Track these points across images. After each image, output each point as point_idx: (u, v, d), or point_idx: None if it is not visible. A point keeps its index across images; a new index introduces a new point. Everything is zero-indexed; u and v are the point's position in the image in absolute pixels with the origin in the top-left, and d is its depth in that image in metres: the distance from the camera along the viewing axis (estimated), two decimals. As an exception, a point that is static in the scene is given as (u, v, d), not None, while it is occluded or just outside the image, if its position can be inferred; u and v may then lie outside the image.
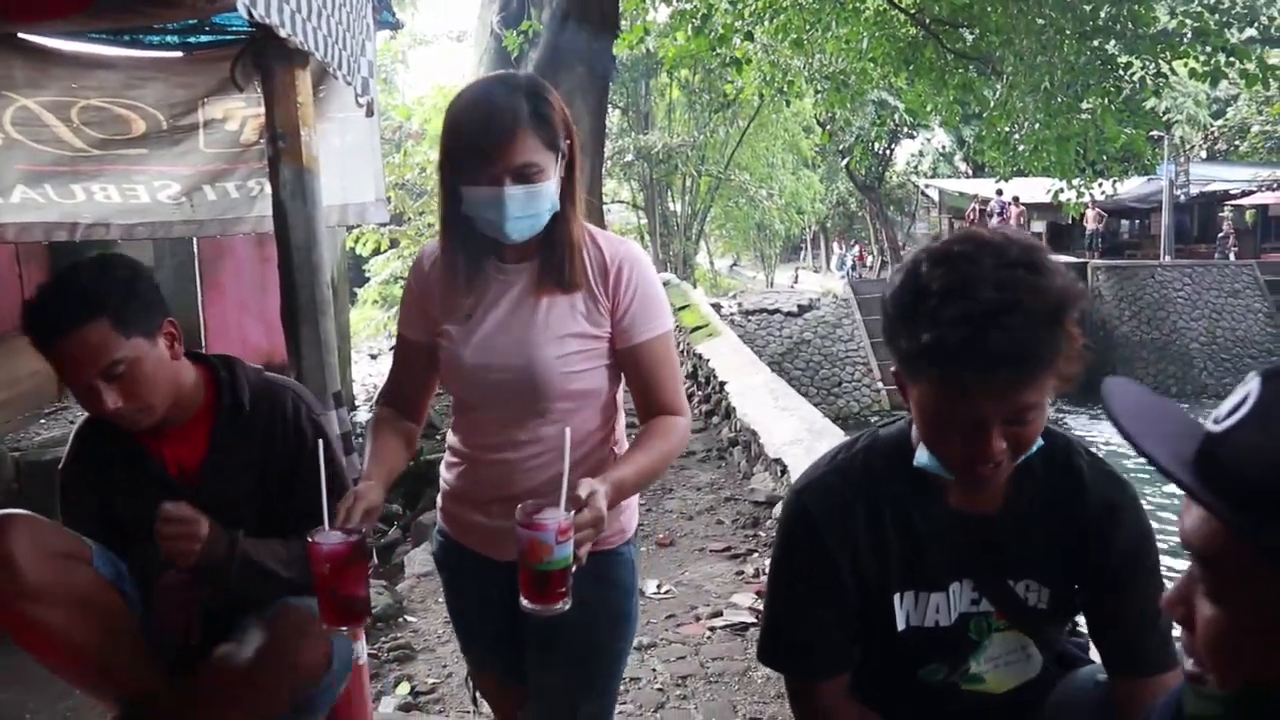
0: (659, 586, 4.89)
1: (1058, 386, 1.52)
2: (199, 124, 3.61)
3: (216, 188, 3.65)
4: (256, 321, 7.77)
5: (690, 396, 9.52)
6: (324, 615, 1.86)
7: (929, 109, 14.51)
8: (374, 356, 18.01)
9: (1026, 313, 1.42)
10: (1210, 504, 0.90)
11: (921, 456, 1.66)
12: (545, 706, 2.17)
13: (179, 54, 3.56)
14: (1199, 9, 12.29)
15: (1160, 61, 12.15)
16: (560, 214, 1.97)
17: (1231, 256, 29.08)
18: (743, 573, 5.08)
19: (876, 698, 1.84)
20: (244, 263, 7.76)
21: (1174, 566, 1.31)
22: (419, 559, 5.99)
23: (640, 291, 2.02)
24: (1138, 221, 33.94)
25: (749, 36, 11.62)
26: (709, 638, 4.26)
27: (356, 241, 14.27)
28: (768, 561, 5.09)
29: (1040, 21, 11.38)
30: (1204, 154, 35.84)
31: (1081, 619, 1.85)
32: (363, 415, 9.28)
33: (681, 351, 10.96)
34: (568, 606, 1.72)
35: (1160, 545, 1.72)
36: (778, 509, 5.94)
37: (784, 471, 6.14)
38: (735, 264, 50.63)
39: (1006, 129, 13.42)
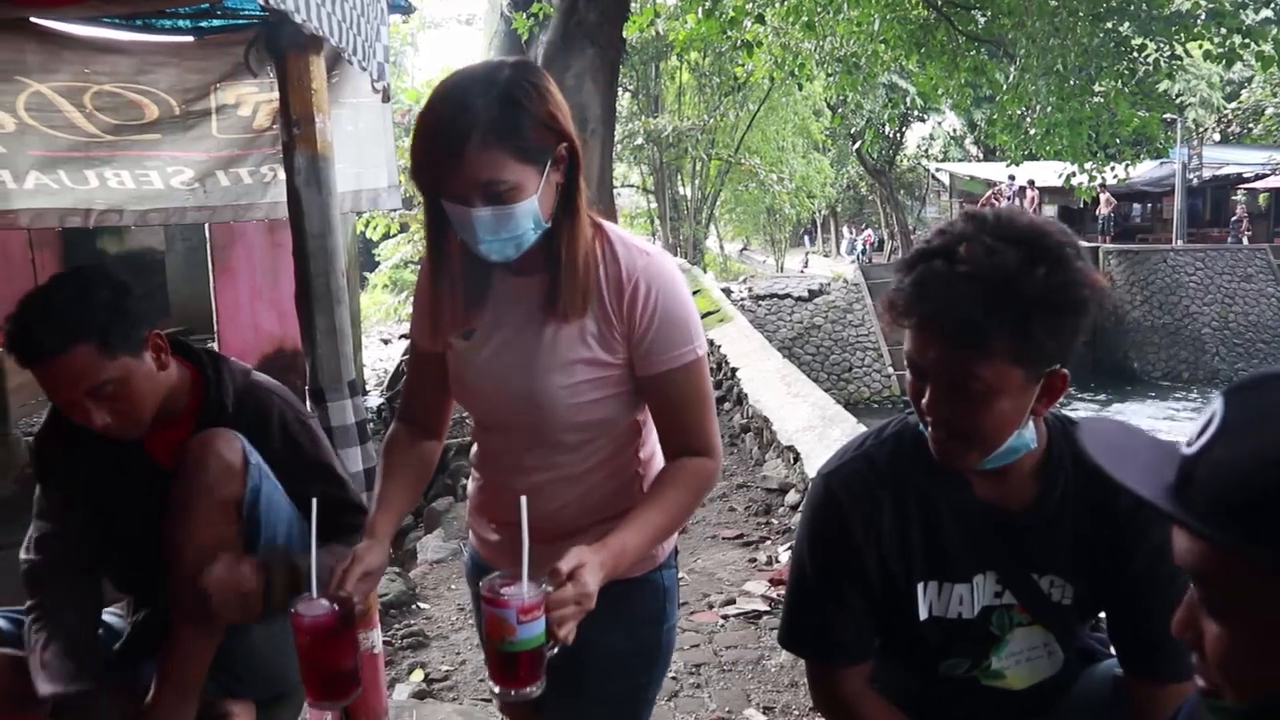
0: (672, 573, 4.89)
1: (1027, 385, 1.52)
2: (212, 109, 3.59)
3: (230, 173, 3.64)
4: (268, 306, 7.77)
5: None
6: (308, 690, 1.70)
7: (940, 92, 14.39)
8: (385, 341, 18.02)
9: (985, 283, 1.44)
10: (1193, 526, 0.92)
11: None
12: None
13: (191, 39, 3.54)
14: (1214, -10, 12.20)
15: (1174, 43, 12.07)
16: (556, 230, 1.71)
17: (1245, 240, 28.98)
18: (755, 560, 5.09)
19: (897, 690, 1.83)
20: (256, 247, 7.75)
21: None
22: (431, 545, 6.00)
23: (662, 313, 1.74)
24: (1150, 205, 33.78)
25: (760, 19, 11.55)
26: (722, 625, 4.27)
27: (367, 226, 14.28)
28: (781, 549, 5.13)
29: (1053, 3, 11.29)
30: (1217, 137, 35.65)
31: (1103, 616, 1.84)
32: (374, 400, 9.28)
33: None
34: (539, 691, 1.53)
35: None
36: (790, 496, 5.94)
37: (796, 459, 6.14)
38: (745, 248, 50.50)
39: (1018, 112, 13.34)
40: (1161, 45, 12.21)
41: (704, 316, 11.52)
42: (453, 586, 5.20)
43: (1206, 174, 30.66)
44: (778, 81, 17.83)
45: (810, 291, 25.29)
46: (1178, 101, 27.15)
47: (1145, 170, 26.39)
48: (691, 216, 30.55)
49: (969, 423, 1.54)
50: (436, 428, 2.04)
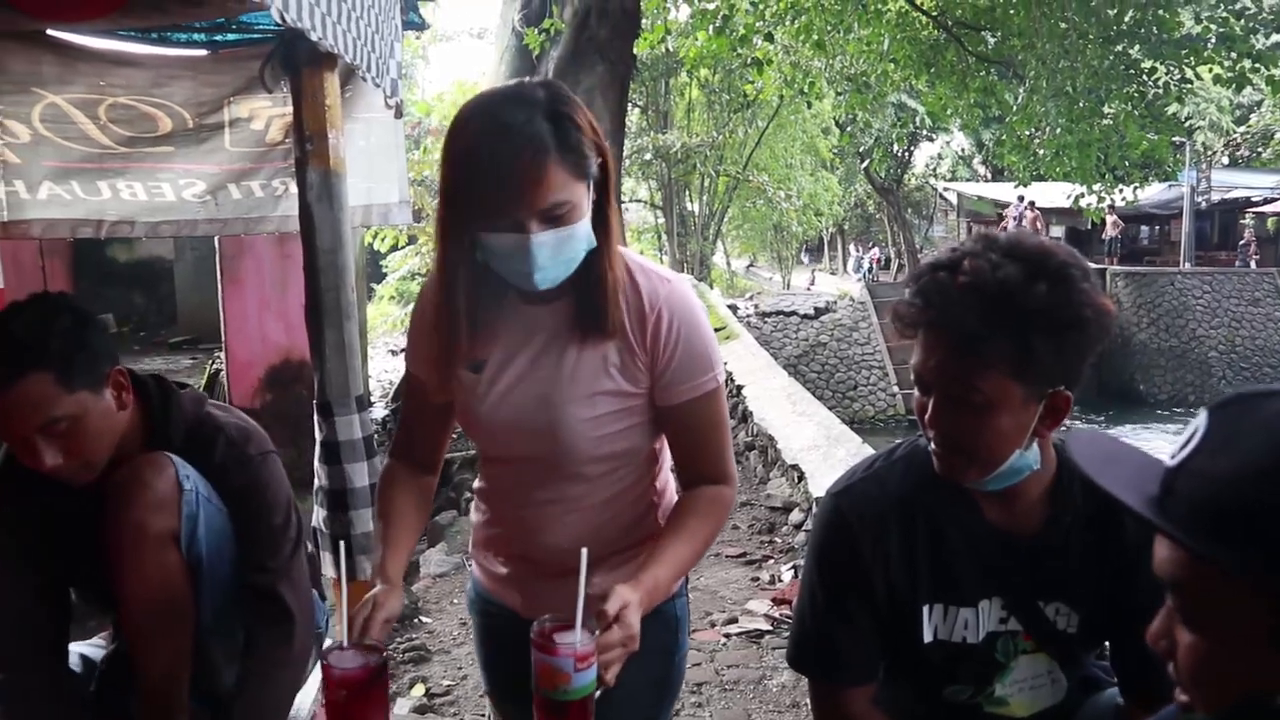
0: (675, 591, 4.89)
1: (1028, 403, 1.53)
2: (225, 123, 3.61)
3: (241, 186, 3.66)
4: (276, 318, 7.78)
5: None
6: None
7: (949, 112, 14.43)
8: (393, 353, 18.04)
9: (985, 294, 1.47)
10: (1173, 534, 0.96)
11: None
12: None
13: (205, 52, 3.56)
14: (1224, 14, 12.20)
15: (1184, 67, 12.07)
16: (596, 248, 1.65)
17: (1252, 264, 28.91)
18: (758, 579, 5.08)
19: (901, 716, 1.83)
20: (265, 259, 7.77)
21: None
22: (434, 559, 6.00)
23: (685, 343, 1.71)
24: (1158, 228, 33.75)
25: (769, 38, 11.58)
26: (724, 645, 4.26)
27: (375, 238, 14.31)
28: (784, 568, 5.12)
29: (1063, 25, 11.30)
30: (1226, 160, 35.62)
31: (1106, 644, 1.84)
32: (379, 412, 9.29)
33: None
34: None
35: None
36: (794, 515, 5.94)
37: (801, 477, 6.14)
38: (752, 265, 50.54)
39: (1028, 133, 13.37)
40: (1171, 68, 12.21)
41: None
42: (455, 600, 5.19)
43: (1215, 197, 30.61)
44: (787, 99, 17.87)
45: (816, 309, 25.29)
46: (1187, 125, 27.15)
47: (1153, 193, 26.37)
48: (699, 232, 30.58)
49: (969, 437, 1.56)
50: (434, 462, 1.96)
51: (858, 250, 43.13)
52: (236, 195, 3.67)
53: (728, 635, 4.35)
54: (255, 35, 3.46)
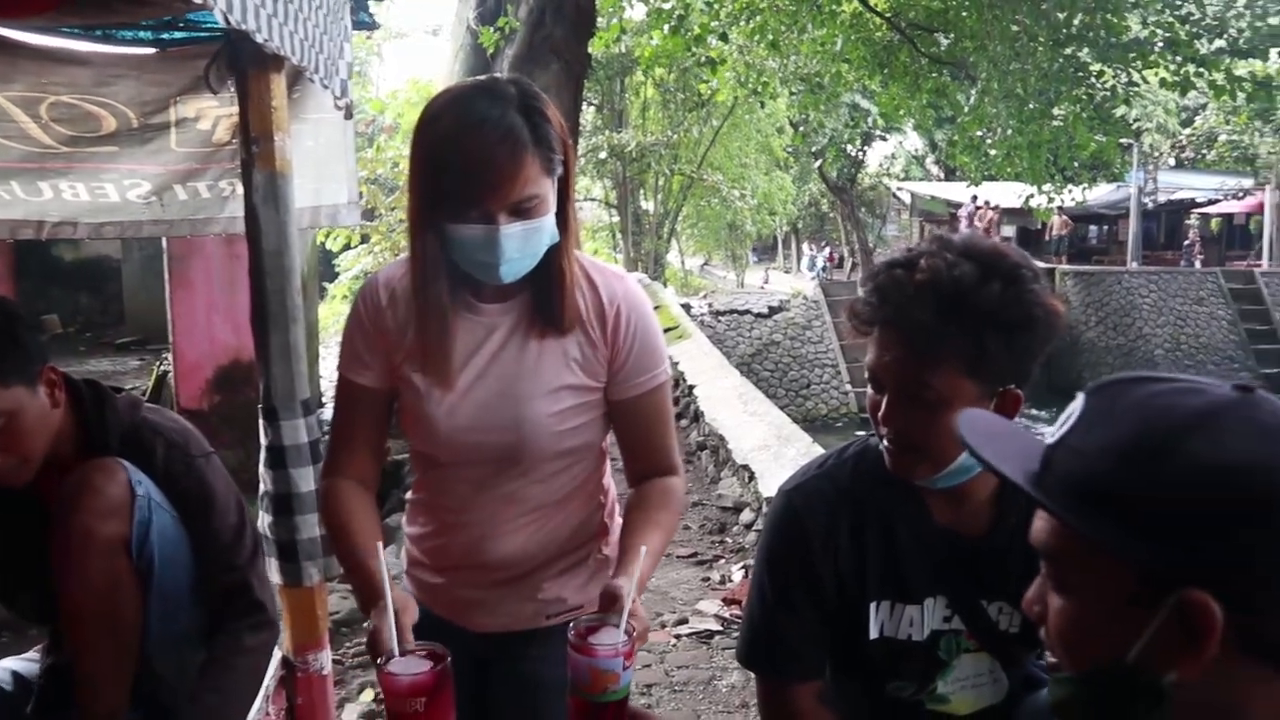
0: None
1: (980, 401, 1.55)
2: (171, 123, 3.55)
3: (188, 187, 3.60)
4: (225, 319, 7.69)
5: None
6: None
7: (902, 112, 14.57)
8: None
9: (940, 291, 1.51)
10: (1046, 505, 1.02)
11: None
12: None
13: (151, 51, 3.50)
14: (1170, 20, 12.43)
15: (1131, 70, 12.27)
16: (555, 244, 1.69)
17: (1197, 264, 29.41)
18: (709, 579, 5.09)
19: (846, 711, 1.84)
20: (213, 260, 7.67)
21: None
22: (386, 561, 5.94)
23: (641, 337, 1.77)
24: (1106, 228, 34.23)
25: (724, 37, 11.63)
26: (674, 645, 4.27)
27: (327, 237, 14.18)
28: (735, 568, 5.14)
29: (1014, 28, 11.45)
30: (1172, 161, 36.13)
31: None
32: (329, 413, 9.20)
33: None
34: None
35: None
36: (744, 515, 5.96)
37: (751, 477, 6.16)
38: (706, 263, 50.66)
39: (979, 134, 13.53)
40: (1119, 71, 12.42)
41: (663, 333, 11.58)
42: (407, 602, 5.16)
43: (1161, 198, 31.06)
44: (741, 99, 17.92)
45: (770, 308, 25.35)
46: (1134, 126, 27.50)
47: (1101, 193, 26.71)
48: (654, 231, 30.57)
49: (921, 434, 1.58)
50: (373, 478, 1.84)
51: (812, 249, 43.31)
52: (183, 196, 3.61)
53: (678, 636, 4.35)
54: (203, 34, 3.41)
